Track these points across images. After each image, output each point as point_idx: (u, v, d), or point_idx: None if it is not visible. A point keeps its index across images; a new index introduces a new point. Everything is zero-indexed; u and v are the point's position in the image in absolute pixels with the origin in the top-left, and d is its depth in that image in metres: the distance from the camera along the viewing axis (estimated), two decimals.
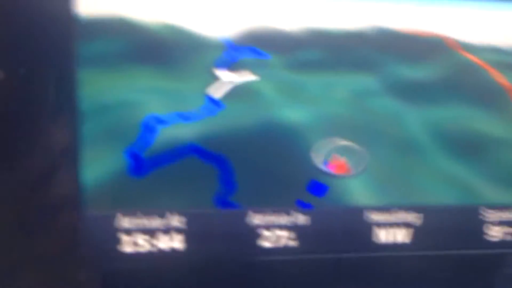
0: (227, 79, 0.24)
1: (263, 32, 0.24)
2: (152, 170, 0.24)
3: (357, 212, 0.27)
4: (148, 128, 0.24)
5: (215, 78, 0.24)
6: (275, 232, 0.26)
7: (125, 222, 0.24)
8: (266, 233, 0.26)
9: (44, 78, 0.22)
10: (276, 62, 0.24)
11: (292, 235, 0.26)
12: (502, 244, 0.28)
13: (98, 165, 0.23)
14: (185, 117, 0.24)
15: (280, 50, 0.24)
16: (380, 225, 0.27)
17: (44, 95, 0.22)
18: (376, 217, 0.27)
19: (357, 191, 0.26)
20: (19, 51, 0.22)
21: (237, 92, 0.24)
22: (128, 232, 0.24)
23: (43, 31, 0.22)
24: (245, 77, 0.24)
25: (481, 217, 0.28)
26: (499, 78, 0.27)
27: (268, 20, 0.24)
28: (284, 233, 0.26)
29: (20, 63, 0.22)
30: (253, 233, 0.26)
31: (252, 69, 0.24)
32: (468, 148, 0.27)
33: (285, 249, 0.26)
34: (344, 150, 0.26)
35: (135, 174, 0.24)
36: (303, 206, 0.26)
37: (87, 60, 0.22)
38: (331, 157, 0.26)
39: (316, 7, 0.24)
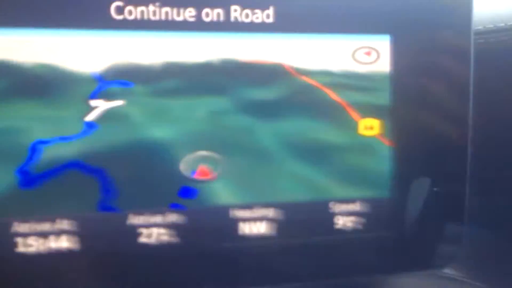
0: (98, 105, 0.29)
1: (127, 66, 0.29)
2: (39, 183, 0.29)
3: (222, 210, 0.32)
4: (34, 151, 0.29)
5: (91, 108, 0.29)
6: (152, 230, 0.31)
7: (20, 227, 0.29)
8: (144, 231, 0.31)
9: None
10: (139, 90, 0.30)
11: (168, 232, 0.31)
12: (348, 231, 0.34)
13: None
14: (66, 140, 0.29)
15: (142, 80, 0.30)
16: (242, 220, 0.32)
17: None
18: (238, 213, 0.32)
19: (222, 192, 0.32)
20: None
21: (108, 115, 0.29)
22: (22, 235, 0.29)
23: None
24: (114, 103, 0.29)
25: (328, 209, 0.34)
26: (332, 95, 0.33)
27: (131, 56, 0.29)
28: (160, 231, 0.31)
29: None
30: (132, 232, 0.31)
31: (119, 96, 0.30)
32: (311, 153, 0.33)
33: (161, 246, 0.31)
34: (206, 159, 0.31)
35: (25, 188, 0.29)
36: (178, 207, 0.31)
37: None
38: (196, 166, 0.31)
39: (172, 44, 0.30)
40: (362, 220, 0.34)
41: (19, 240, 0.29)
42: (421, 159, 0.35)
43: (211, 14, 0.30)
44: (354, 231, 0.34)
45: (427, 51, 0.33)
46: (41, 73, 0.28)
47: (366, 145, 0.33)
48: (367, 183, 0.34)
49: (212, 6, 0.30)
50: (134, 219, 0.31)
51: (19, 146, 0.28)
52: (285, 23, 0.31)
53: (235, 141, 0.32)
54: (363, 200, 0.34)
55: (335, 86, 0.32)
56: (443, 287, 0.39)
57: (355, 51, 0.32)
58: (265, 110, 0.32)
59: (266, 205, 0.33)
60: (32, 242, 0.29)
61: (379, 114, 0.33)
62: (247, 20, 0.30)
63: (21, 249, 0.29)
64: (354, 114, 0.33)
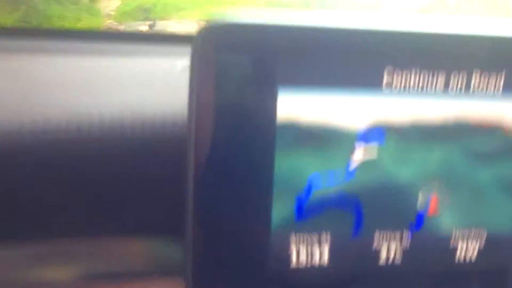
0: (359, 157, 0.37)
1: (382, 127, 0.38)
2: (309, 216, 0.38)
3: (445, 239, 0.40)
4: (311, 184, 0.37)
5: (354, 151, 0.37)
6: (390, 252, 0.39)
7: (294, 245, 0.38)
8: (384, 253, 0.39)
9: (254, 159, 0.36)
10: (390, 147, 0.38)
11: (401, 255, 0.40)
12: None
13: (280, 209, 0.37)
14: (333, 176, 0.37)
15: (393, 138, 0.38)
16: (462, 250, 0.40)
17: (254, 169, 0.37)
18: (459, 244, 0.40)
19: (444, 224, 0.40)
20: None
21: (364, 165, 0.38)
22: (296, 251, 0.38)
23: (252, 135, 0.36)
24: (370, 155, 0.38)
25: None
26: None
27: (388, 117, 0.37)
28: (396, 253, 0.39)
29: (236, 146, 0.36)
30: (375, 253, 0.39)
31: (375, 151, 0.38)
32: None
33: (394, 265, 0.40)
34: (436, 195, 0.39)
35: (299, 217, 0.38)
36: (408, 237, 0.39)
37: (281, 148, 0.36)
38: (429, 201, 0.39)
39: (421, 107, 0.38)
40: None
41: (293, 254, 0.38)
42: None
43: (455, 84, 0.38)
44: None
45: None
46: (325, 126, 0.37)
47: None
48: None
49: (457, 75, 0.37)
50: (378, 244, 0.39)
51: (300, 180, 0.37)
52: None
53: (460, 181, 0.39)
54: None
55: None
56: None
57: None
58: (487, 158, 0.39)
59: (478, 232, 0.40)
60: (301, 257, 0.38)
61: None
62: (480, 89, 0.38)
63: (293, 261, 0.38)
64: None
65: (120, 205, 0.44)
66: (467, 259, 0.41)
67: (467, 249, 0.40)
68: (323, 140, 0.37)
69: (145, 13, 0.92)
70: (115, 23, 0.89)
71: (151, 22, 0.88)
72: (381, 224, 0.39)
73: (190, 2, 0.95)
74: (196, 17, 0.90)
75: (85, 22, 0.87)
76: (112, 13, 0.91)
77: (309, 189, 0.37)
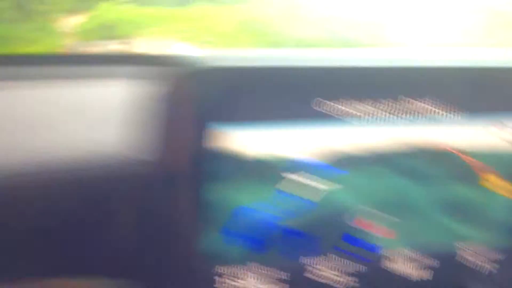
0: (321, 188, 0.39)
1: (336, 156, 0.39)
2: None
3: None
4: (238, 215, 0.38)
5: (283, 179, 0.38)
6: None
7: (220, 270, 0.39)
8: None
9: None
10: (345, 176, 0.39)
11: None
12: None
13: (210, 238, 0.38)
14: (261, 206, 0.38)
15: (348, 167, 0.39)
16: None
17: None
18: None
19: (396, 247, 0.41)
20: None
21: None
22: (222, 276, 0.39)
23: None
24: (325, 186, 0.39)
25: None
26: (476, 167, 0.42)
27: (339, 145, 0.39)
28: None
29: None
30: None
31: (328, 180, 0.39)
32: (456, 209, 0.42)
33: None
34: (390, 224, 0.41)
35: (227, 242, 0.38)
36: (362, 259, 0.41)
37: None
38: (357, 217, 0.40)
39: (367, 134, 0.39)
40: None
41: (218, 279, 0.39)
42: None
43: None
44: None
45: None
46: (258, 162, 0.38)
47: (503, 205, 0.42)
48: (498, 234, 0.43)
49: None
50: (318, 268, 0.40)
51: (226, 211, 0.38)
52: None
53: (404, 204, 0.41)
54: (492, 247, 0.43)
55: (483, 161, 0.41)
56: None
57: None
58: (425, 180, 0.41)
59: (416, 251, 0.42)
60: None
61: None
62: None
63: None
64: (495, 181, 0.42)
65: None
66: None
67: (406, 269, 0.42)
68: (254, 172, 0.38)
69: (109, 31, 0.91)
70: (79, 42, 0.88)
71: (122, 41, 0.88)
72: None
73: (153, 19, 0.95)
74: (160, 34, 0.90)
75: (41, 43, 0.85)
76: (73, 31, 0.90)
77: (236, 220, 0.38)
